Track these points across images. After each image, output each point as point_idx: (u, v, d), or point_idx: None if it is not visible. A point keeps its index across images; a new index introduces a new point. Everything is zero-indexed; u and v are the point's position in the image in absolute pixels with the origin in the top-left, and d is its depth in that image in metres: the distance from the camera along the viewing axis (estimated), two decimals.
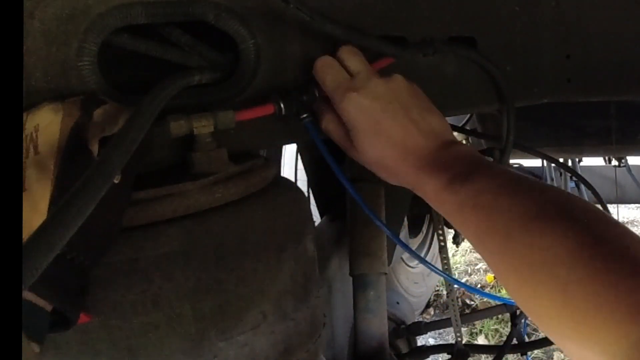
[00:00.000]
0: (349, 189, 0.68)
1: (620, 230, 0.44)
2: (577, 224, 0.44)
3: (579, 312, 0.40)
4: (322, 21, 0.61)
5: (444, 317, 1.46)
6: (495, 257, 0.50)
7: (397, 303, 1.57)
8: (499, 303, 1.41)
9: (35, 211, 0.43)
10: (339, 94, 0.61)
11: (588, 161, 2.54)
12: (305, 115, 0.64)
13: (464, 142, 1.98)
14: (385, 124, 0.61)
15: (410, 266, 2.24)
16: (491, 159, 0.78)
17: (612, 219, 0.46)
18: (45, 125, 0.48)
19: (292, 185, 0.71)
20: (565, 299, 0.41)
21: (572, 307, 0.41)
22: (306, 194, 1.49)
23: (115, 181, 0.48)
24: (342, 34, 0.64)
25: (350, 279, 1.11)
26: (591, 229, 0.44)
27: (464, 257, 3.22)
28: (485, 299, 2.76)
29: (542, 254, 0.44)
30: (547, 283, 0.43)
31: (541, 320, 0.46)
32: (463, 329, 1.70)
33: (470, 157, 0.59)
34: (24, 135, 0.48)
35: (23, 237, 0.36)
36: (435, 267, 0.78)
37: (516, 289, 0.48)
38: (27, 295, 0.42)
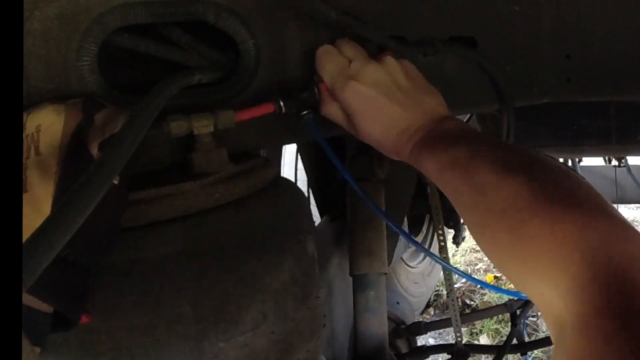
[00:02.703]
0: (351, 182, 0.68)
1: (569, 178, 0.49)
2: (533, 177, 0.48)
3: (529, 252, 0.44)
4: (319, 3, 0.62)
5: (444, 317, 1.46)
6: (468, 210, 0.54)
7: (397, 303, 1.57)
8: (499, 303, 1.41)
9: (37, 212, 0.43)
10: (338, 82, 0.64)
11: (588, 161, 2.54)
12: (305, 113, 0.64)
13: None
14: (383, 106, 0.64)
15: (410, 266, 2.24)
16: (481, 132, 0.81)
17: (566, 170, 0.51)
18: (47, 126, 0.48)
19: (292, 185, 0.71)
20: (519, 241, 0.45)
21: (525, 247, 0.45)
22: (306, 194, 1.49)
23: (115, 182, 0.48)
24: (348, 24, 0.64)
25: (350, 279, 1.11)
26: (544, 180, 0.48)
27: (464, 257, 3.22)
28: (485, 299, 2.76)
29: (503, 202, 0.48)
30: (505, 228, 0.47)
31: (503, 265, 0.50)
32: (463, 329, 1.70)
33: (459, 129, 0.62)
34: (24, 135, 0.48)
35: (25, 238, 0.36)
36: (438, 258, 0.78)
37: (482, 237, 0.52)
38: (29, 300, 0.42)
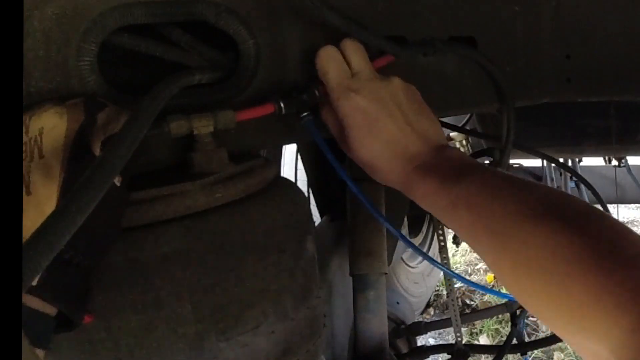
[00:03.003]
0: (351, 186, 0.68)
1: (608, 224, 0.46)
2: (568, 222, 0.46)
3: (575, 305, 0.42)
4: (325, 8, 0.61)
5: (444, 317, 1.46)
6: (492, 256, 0.52)
7: (397, 303, 1.57)
8: (499, 303, 1.41)
9: (42, 215, 0.43)
10: (338, 91, 0.62)
11: (588, 161, 2.53)
12: (305, 114, 0.64)
13: (463, 142, 1.98)
14: (380, 125, 0.61)
15: (410, 266, 2.25)
16: (484, 162, 0.79)
17: (600, 213, 0.48)
18: (49, 128, 0.48)
19: (292, 185, 0.71)
20: (561, 293, 0.44)
21: (568, 300, 0.43)
22: (306, 194, 1.49)
23: (117, 183, 0.48)
24: (347, 28, 0.64)
25: (350, 279, 1.11)
26: (581, 226, 0.46)
27: (464, 257, 3.22)
28: (485, 299, 2.76)
29: (537, 251, 0.46)
30: (543, 279, 0.45)
31: (541, 314, 0.48)
32: (463, 329, 1.70)
33: (461, 159, 0.60)
34: (27, 138, 0.48)
35: None
36: (439, 263, 0.78)
37: (514, 285, 0.50)
38: (32, 301, 0.42)
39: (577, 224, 0.46)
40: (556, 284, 0.44)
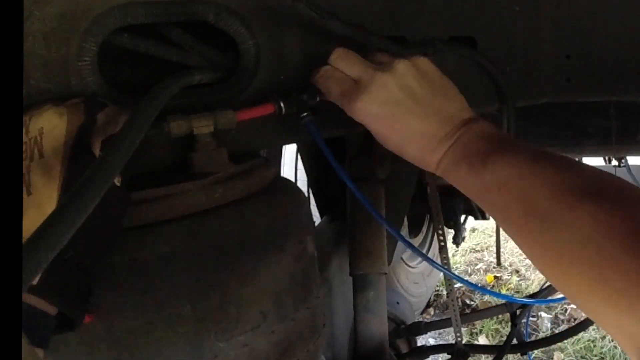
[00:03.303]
0: (350, 186, 0.68)
1: None
2: (607, 202, 0.45)
3: (613, 289, 0.41)
4: (330, 19, 0.61)
5: (444, 317, 1.46)
6: (526, 238, 0.51)
7: (397, 303, 1.57)
8: (499, 303, 1.41)
9: (42, 215, 0.43)
10: (346, 104, 0.61)
11: (588, 161, 2.54)
12: (305, 115, 0.64)
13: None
14: (397, 123, 0.60)
15: (410, 266, 2.25)
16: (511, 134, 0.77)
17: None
18: (50, 129, 0.48)
19: (292, 185, 0.71)
20: (599, 277, 0.42)
21: (605, 285, 0.42)
22: (306, 194, 1.49)
23: (117, 183, 0.48)
24: (348, 33, 0.64)
25: (350, 279, 1.11)
26: (621, 208, 0.44)
27: (464, 257, 3.22)
28: (485, 299, 2.76)
29: (573, 233, 0.45)
30: (580, 262, 0.44)
31: (574, 297, 0.47)
32: (463, 329, 1.70)
33: (489, 134, 0.58)
34: (28, 138, 0.48)
35: None
36: (438, 264, 0.78)
37: (548, 268, 0.49)
38: (33, 300, 0.42)
39: (618, 205, 0.44)
40: (592, 269, 0.43)
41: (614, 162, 2.31)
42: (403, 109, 0.60)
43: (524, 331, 2.25)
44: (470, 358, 1.30)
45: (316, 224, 1.37)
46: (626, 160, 2.30)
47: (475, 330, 2.53)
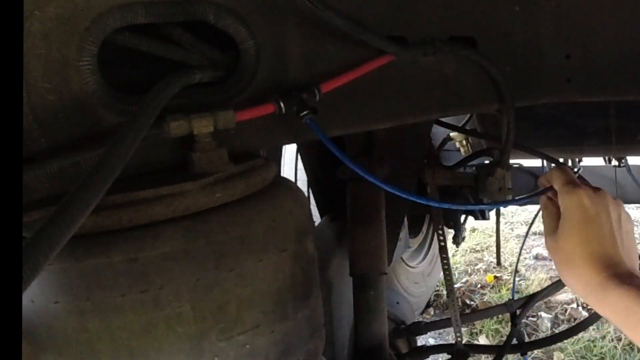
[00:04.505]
0: (347, 163, 0.65)
1: None
2: None
3: None
4: (333, 16, 0.61)
5: (444, 317, 1.46)
6: None
7: (397, 303, 1.57)
8: (499, 303, 1.41)
9: None
10: (566, 188, 0.68)
11: (588, 161, 2.53)
12: (305, 113, 0.64)
13: (463, 142, 1.97)
14: (595, 224, 0.65)
15: (410, 266, 2.25)
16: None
17: None
18: None
19: (292, 185, 0.71)
20: None
21: None
22: (306, 194, 1.49)
23: None
24: (348, 28, 0.64)
25: (350, 279, 1.11)
26: None
27: (464, 257, 3.22)
28: (485, 299, 2.76)
29: None
30: None
31: None
32: (463, 329, 1.70)
33: None
34: None
35: None
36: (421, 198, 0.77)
37: None
38: None
39: None
40: None
41: (614, 162, 2.31)
42: (605, 218, 0.66)
43: (527, 326, 2.25)
44: (470, 358, 1.30)
45: (316, 224, 1.37)
46: (626, 160, 2.30)
47: (475, 330, 2.53)
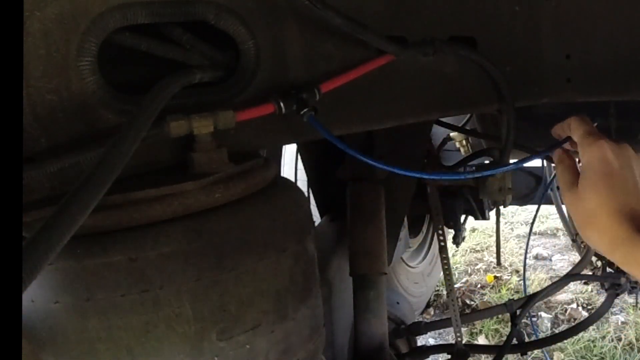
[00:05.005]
0: (335, 142, 0.65)
1: None
2: None
3: None
4: (333, 16, 0.61)
5: (444, 317, 1.46)
6: None
7: (397, 303, 1.57)
8: (499, 303, 1.41)
9: None
10: (589, 140, 0.64)
11: None
12: (305, 110, 0.64)
13: (463, 142, 1.97)
14: (619, 177, 0.62)
15: (410, 266, 2.25)
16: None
17: None
18: None
19: (292, 185, 0.71)
20: None
21: None
22: (306, 194, 1.49)
23: None
24: (348, 28, 0.64)
25: (350, 279, 1.11)
26: None
27: (464, 257, 3.22)
28: (485, 299, 2.76)
29: None
30: None
31: None
32: (463, 329, 1.70)
33: None
34: None
35: None
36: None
37: None
38: None
39: None
40: None
41: None
42: (628, 171, 0.64)
43: (532, 327, 2.25)
44: (470, 358, 1.30)
45: (316, 224, 1.37)
46: None
47: (475, 330, 2.53)
